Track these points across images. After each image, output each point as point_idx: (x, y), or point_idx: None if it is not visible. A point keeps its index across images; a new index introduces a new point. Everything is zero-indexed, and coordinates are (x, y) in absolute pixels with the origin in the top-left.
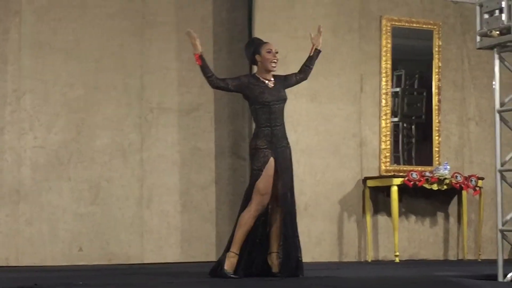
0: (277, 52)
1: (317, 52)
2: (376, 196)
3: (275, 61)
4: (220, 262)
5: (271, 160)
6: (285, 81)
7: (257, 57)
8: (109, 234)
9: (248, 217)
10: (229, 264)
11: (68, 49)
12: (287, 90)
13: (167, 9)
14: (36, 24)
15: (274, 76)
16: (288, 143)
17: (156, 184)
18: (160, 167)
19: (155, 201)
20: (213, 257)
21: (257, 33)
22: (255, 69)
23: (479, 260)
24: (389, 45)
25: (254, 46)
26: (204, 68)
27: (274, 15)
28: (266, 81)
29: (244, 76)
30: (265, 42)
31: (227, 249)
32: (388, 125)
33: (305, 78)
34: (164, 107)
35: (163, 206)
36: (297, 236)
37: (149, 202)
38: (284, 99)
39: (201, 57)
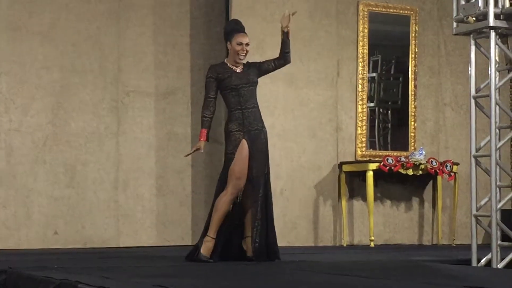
0: (247, 44)
1: (285, 34)
2: (351, 181)
3: (243, 54)
4: (197, 247)
5: (243, 142)
6: (260, 67)
7: (228, 45)
8: (84, 217)
9: (224, 201)
10: (205, 248)
11: (44, 32)
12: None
13: None
14: (12, 6)
15: (245, 63)
16: (263, 126)
17: (132, 168)
18: (136, 151)
19: (131, 184)
20: (188, 241)
21: (235, 17)
22: None
23: (453, 245)
24: (366, 30)
25: (228, 31)
26: (208, 129)
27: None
28: (234, 67)
29: (212, 72)
30: (239, 32)
31: (204, 233)
32: (364, 110)
33: (285, 63)
34: (140, 91)
35: (139, 189)
36: (272, 221)
37: (125, 185)
38: (253, 82)
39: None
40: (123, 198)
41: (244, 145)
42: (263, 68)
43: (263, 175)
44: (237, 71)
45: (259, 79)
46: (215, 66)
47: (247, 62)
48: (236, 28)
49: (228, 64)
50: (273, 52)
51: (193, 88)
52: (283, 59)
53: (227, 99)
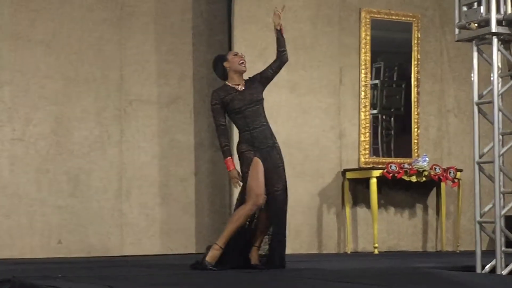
0: (243, 55)
1: (278, 32)
2: (355, 188)
3: (243, 61)
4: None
5: (255, 159)
6: (262, 78)
7: (226, 64)
8: (88, 226)
9: (241, 215)
10: (212, 256)
11: (47, 41)
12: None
13: (146, 1)
14: (15, 15)
15: (246, 80)
16: (274, 143)
17: (135, 176)
18: (139, 159)
19: (134, 193)
20: (192, 249)
21: (237, 26)
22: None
23: (458, 251)
24: (368, 37)
25: (218, 59)
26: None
27: (253, 7)
28: (236, 87)
29: (215, 98)
30: (230, 51)
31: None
32: (367, 117)
33: (282, 63)
34: (143, 99)
35: (142, 198)
36: (285, 234)
37: (128, 194)
38: (257, 101)
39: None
40: (127, 206)
41: (256, 162)
42: (264, 78)
43: (281, 190)
44: (240, 89)
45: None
46: (217, 90)
47: (249, 77)
48: (224, 53)
49: (230, 85)
50: None
51: (196, 96)
52: (279, 59)
53: (234, 121)
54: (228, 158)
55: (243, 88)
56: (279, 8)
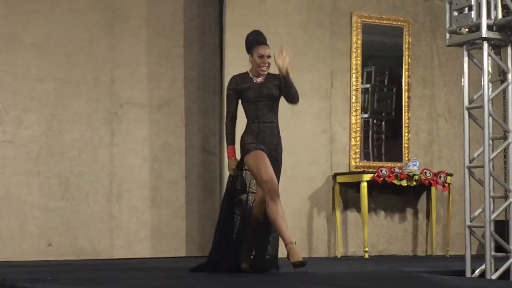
0: (269, 57)
1: (284, 78)
2: (346, 192)
3: (265, 66)
4: (209, 260)
5: (259, 151)
6: (280, 86)
7: (249, 57)
8: (78, 229)
9: (270, 210)
10: (295, 252)
11: (38, 43)
12: None
13: (137, 4)
14: (6, 17)
15: (270, 74)
16: (278, 143)
17: (126, 179)
18: (130, 162)
19: (125, 196)
20: (182, 253)
21: (228, 29)
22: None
23: (448, 256)
24: (360, 42)
25: (248, 43)
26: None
27: (245, 11)
28: (254, 77)
29: (232, 84)
30: (260, 44)
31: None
32: (358, 121)
33: (292, 103)
34: (134, 102)
35: (133, 201)
36: (275, 232)
37: (119, 197)
38: (272, 96)
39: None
40: (117, 209)
41: (261, 153)
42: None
43: None
44: (257, 81)
45: None
46: (235, 77)
47: (276, 74)
48: (256, 39)
49: (250, 74)
50: None
51: (187, 99)
52: (290, 102)
53: (245, 111)
54: (231, 146)
55: (262, 80)
56: (283, 47)
